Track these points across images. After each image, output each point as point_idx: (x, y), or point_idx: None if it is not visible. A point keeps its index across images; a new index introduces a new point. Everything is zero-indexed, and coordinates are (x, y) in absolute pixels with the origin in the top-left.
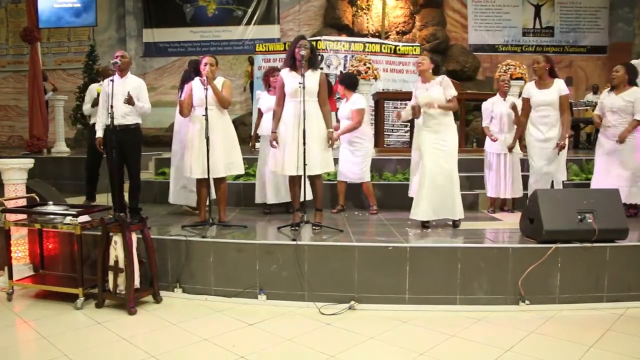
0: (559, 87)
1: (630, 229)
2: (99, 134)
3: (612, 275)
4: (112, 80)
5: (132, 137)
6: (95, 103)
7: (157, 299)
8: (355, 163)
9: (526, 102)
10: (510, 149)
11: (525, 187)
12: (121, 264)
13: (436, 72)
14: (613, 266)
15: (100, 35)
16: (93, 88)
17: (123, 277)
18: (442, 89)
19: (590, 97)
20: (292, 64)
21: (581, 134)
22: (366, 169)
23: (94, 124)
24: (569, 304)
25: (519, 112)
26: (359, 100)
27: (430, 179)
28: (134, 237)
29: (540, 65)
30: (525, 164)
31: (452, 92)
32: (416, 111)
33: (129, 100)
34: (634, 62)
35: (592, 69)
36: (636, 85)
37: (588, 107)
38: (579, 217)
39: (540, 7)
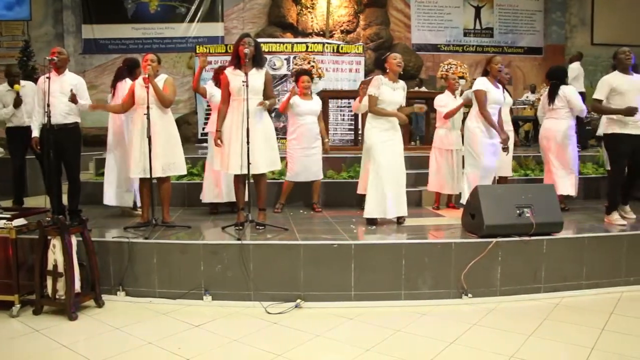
0: (501, 89)
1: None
2: (35, 133)
3: (549, 267)
4: (48, 78)
5: (70, 137)
6: (17, 103)
7: (99, 303)
8: (317, 161)
9: (484, 94)
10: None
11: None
12: (60, 268)
13: None
14: (550, 258)
15: (36, 31)
16: (3, 91)
17: (62, 281)
18: (404, 95)
19: (527, 95)
20: (237, 62)
21: (519, 132)
22: (321, 166)
23: (10, 127)
24: (509, 295)
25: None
26: (321, 102)
27: (383, 176)
28: (74, 239)
29: (501, 67)
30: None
31: (404, 102)
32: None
33: (72, 98)
34: (570, 66)
35: (529, 69)
36: (565, 84)
37: (526, 106)
38: (518, 211)
39: (480, 9)
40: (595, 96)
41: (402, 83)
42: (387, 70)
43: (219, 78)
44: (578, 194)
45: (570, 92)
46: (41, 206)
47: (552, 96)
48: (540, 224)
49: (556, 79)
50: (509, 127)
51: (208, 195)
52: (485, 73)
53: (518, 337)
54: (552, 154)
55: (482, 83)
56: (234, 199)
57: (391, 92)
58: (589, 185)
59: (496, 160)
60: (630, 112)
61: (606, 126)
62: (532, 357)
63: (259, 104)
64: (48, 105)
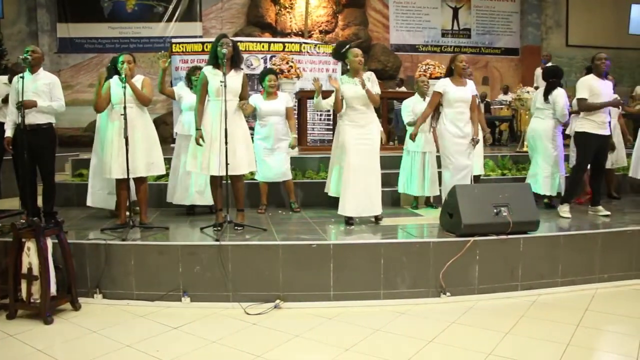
0: (471, 87)
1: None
2: (8, 133)
3: (526, 265)
4: (22, 77)
5: (44, 137)
6: (5, 99)
7: (76, 306)
8: (281, 161)
9: (437, 97)
10: (413, 136)
11: (440, 183)
12: (35, 271)
13: None
14: (526, 256)
15: (9, 29)
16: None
17: (38, 284)
18: (370, 85)
19: (501, 97)
20: (215, 62)
21: (495, 132)
22: (289, 166)
23: None
24: (487, 293)
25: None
26: (290, 99)
27: (355, 175)
28: (49, 242)
29: (465, 65)
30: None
31: (377, 89)
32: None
33: (26, 105)
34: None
35: (506, 69)
36: (560, 86)
37: (503, 106)
38: (495, 210)
39: (457, 10)
40: (580, 96)
41: (367, 74)
42: (348, 67)
43: (190, 79)
44: None
45: (557, 95)
46: (15, 208)
47: (546, 95)
48: (517, 223)
49: (554, 77)
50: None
51: (182, 197)
52: (450, 72)
53: (496, 334)
54: (537, 153)
55: (440, 84)
56: (206, 203)
57: (353, 88)
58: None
59: (469, 158)
60: (617, 103)
61: (579, 125)
62: (509, 354)
63: (240, 105)
64: (22, 105)
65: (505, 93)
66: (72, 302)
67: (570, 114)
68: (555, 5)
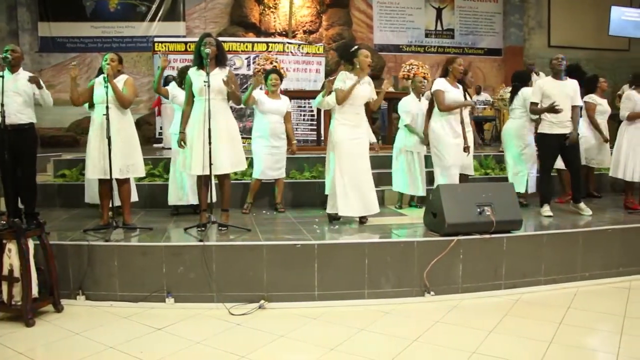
0: (461, 89)
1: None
2: None
3: (509, 264)
4: (1, 77)
5: (26, 138)
6: None
7: (58, 308)
8: (280, 160)
9: (443, 94)
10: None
11: (429, 183)
12: (16, 273)
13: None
14: (510, 255)
15: None
16: None
17: (19, 286)
18: (371, 89)
19: (475, 97)
20: (200, 62)
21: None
22: (284, 165)
23: None
24: (471, 292)
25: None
26: (289, 103)
27: (349, 174)
28: (31, 243)
29: (463, 69)
30: (427, 161)
31: (374, 95)
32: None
33: (34, 80)
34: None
35: (489, 70)
36: (526, 85)
37: (486, 106)
38: (478, 210)
39: (441, 10)
40: (531, 100)
41: (367, 78)
42: (357, 66)
43: (182, 78)
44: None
45: (527, 94)
46: None
47: (511, 97)
48: (500, 222)
49: (518, 81)
50: (469, 128)
51: (173, 198)
52: (445, 73)
53: (479, 333)
54: (507, 151)
55: (439, 84)
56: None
57: (357, 87)
58: None
59: (461, 159)
60: (551, 109)
61: (539, 126)
62: (493, 352)
63: (223, 82)
64: (2, 105)
65: (478, 93)
66: (55, 304)
67: None
68: (537, 7)
